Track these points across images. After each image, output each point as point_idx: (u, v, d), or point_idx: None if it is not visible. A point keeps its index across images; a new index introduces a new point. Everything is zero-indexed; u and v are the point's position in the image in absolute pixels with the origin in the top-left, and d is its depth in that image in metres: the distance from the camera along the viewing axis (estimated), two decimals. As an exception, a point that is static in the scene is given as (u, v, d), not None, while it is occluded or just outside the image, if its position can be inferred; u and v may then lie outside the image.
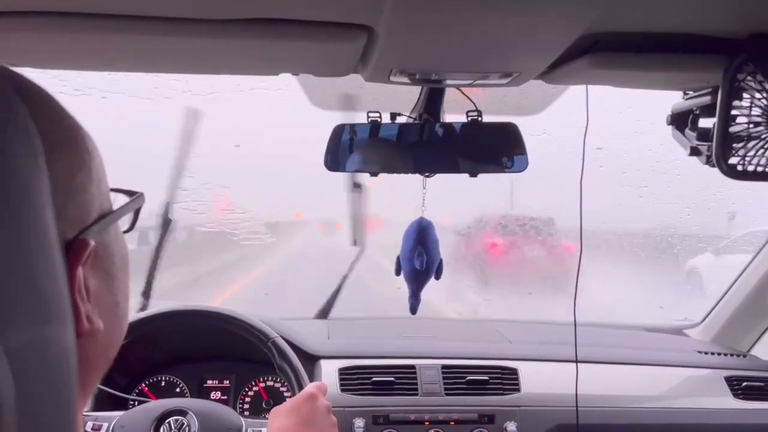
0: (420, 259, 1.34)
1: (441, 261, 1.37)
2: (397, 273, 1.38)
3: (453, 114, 1.33)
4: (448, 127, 1.30)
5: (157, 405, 1.40)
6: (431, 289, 1.39)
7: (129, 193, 0.60)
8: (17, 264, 0.32)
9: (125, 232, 0.61)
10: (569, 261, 9.08)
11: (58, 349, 0.35)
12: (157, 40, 0.95)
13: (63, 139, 0.50)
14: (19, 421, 0.30)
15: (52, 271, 0.35)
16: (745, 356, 2.03)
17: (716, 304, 2.22)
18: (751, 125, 0.95)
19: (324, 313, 2.24)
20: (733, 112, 0.95)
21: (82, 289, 0.49)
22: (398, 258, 1.37)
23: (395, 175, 1.31)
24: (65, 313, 0.36)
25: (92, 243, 0.50)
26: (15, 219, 0.32)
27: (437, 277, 1.38)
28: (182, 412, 1.36)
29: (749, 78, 0.93)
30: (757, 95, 0.94)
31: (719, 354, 1.99)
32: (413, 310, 1.37)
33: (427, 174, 1.36)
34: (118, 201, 0.60)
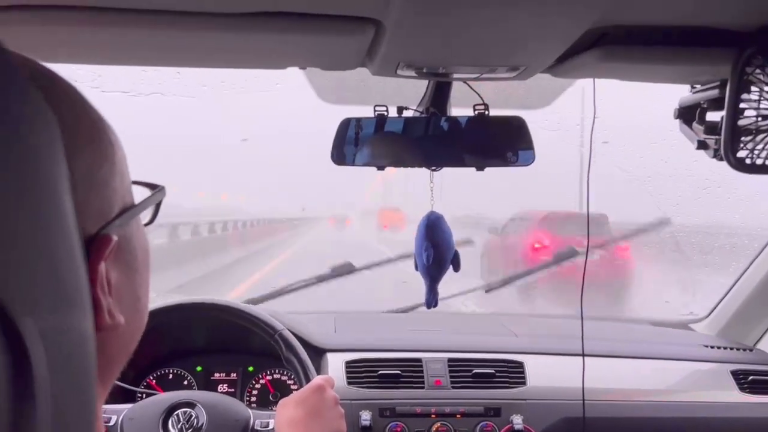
0: (426, 253, 1.34)
1: (457, 253, 1.37)
2: (416, 268, 1.39)
3: (460, 108, 1.33)
4: (455, 120, 1.30)
5: (165, 397, 1.41)
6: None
7: (150, 186, 0.60)
8: (39, 251, 0.32)
9: (146, 224, 0.60)
10: (626, 265, 7.80)
11: (79, 338, 0.35)
12: (166, 34, 0.95)
13: (86, 131, 0.50)
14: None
15: (72, 260, 0.35)
16: (751, 350, 2.02)
17: (722, 299, 2.21)
18: (760, 118, 0.95)
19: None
20: (742, 105, 0.95)
21: (104, 284, 0.48)
22: (414, 255, 1.38)
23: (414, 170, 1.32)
24: (85, 303, 0.36)
25: (115, 238, 0.49)
26: (34, 208, 0.32)
27: (456, 269, 1.38)
28: (190, 405, 1.37)
29: (758, 71, 0.93)
30: (766, 88, 0.93)
31: (725, 348, 1.99)
32: (428, 304, 1.37)
33: (433, 168, 1.36)
34: (140, 194, 0.60)
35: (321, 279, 2.28)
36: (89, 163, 0.49)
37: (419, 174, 1.37)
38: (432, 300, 1.38)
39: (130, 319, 0.53)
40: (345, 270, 2.30)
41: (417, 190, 1.40)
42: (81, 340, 0.35)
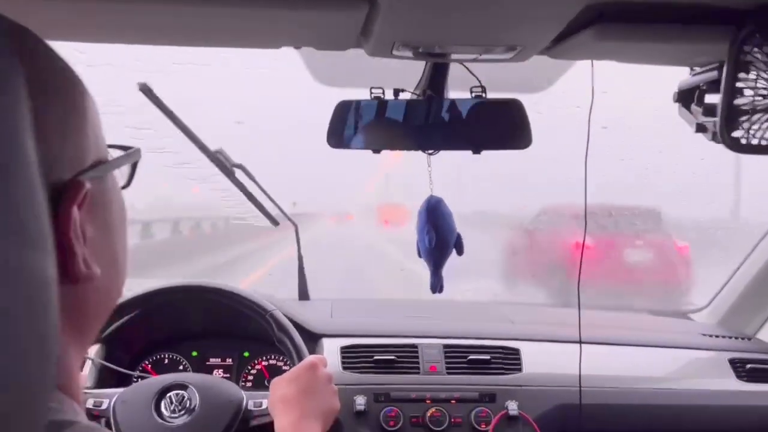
0: (429, 236, 1.33)
1: (459, 236, 1.36)
2: (419, 255, 1.38)
3: (457, 91, 1.32)
4: (452, 103, 1.29)
5: (157, 380, 1.41)
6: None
7: (125, 148, 0.61)
8: None
9: (123, 187, 0.62)
10: (685, 267, 6.34)
11: (38, 277, 0.35)
12: (157, 10, 0.94)
13: (56, 82, 0.51)
14: None
15: (32, 200, 0.35)
16: (750, 339, 2.02)
17: (722, 288, 2.20)
18: (757, 98, 0.93)
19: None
20: (739, 84, 0.94)
21: (78, 231, 0.50)
22: (417, 241, 1.38)
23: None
24: (46, 243, 0.37)
25: (88, 185, 0.51)
26: None
27: (459, 253, 1.37)
28: (183, 386, 1.37)
29: (756, 50, 0.91)
30: (764, 67, 0.92)
31: (724, 337, 1.99)
32: (433, 288, 1.37)
33: (430, 152, 1.36)
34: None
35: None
36: (60, 112, 0.51)
37: (420, 166, 1.36)
38: (437, 284, 1.38)
39: (107, 273, 0.55)
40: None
41: (419, 181, 1.40)
42: (41, 284, 0.35)
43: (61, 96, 0.51)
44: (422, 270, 1.40)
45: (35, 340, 0.35)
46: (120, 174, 0.61)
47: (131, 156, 0.61)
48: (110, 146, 0.59)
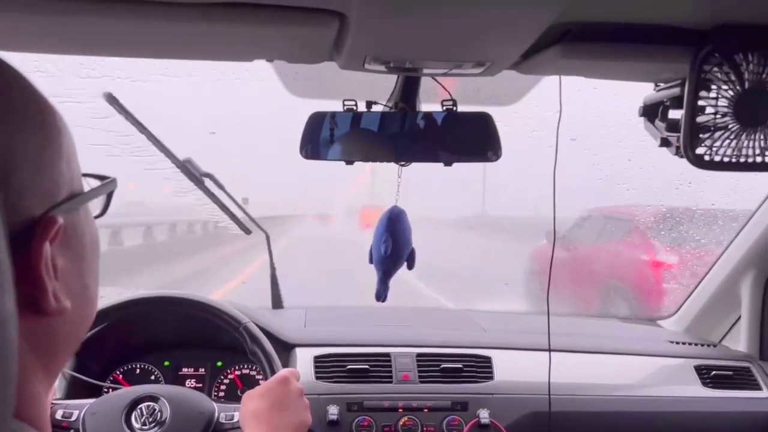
0: (385, 245, 1.34)
1: (413, 250, 1.38)
2: (370, 261, 1.39)
3: (429, 104, 1.34)
4: (424, 116, 1.31)
5: (128, 392, 1.40)
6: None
7: (101, 178, 0.61)
8: None
9: (97, 216, 0.62)
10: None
11: None
12: (130, 23, 0.94)
13: (33, 115, 0.51)
14: None
15: None
16: (715, 346, 2.06)
17: (689, 296, 2.25)
18: (718, 116, 0.96)
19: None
20: (700, 102, 0.97)
21: (49, 266, 0.49)
22: (371, 247, 1.38)
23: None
24: (5, 284, 0.36)
25: (60, 220, 0.50)
26: None
27: (409, 267, 1.38)
28: (154, 398, 1.36)
29: (715, 69, 0.94)
30: (723, 86, 0.95)
31: (690, 344, 2.03)
32: (378, 296, 1.37)
33: (402, 163, 1.37)
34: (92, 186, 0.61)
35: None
36: (36, 145, 0.50)
37: (409, 167, 1.37)
38: (383, 293, 1.38)
39: (77, 306, 0.54)
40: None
41: (406, 181, 1.40)
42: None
43: (37, 129, 0.51)
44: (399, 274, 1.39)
45: None
46: (94, 202, 0.60)
47: (107, 186, 0.60)
48: (86, 175, 0.58)
